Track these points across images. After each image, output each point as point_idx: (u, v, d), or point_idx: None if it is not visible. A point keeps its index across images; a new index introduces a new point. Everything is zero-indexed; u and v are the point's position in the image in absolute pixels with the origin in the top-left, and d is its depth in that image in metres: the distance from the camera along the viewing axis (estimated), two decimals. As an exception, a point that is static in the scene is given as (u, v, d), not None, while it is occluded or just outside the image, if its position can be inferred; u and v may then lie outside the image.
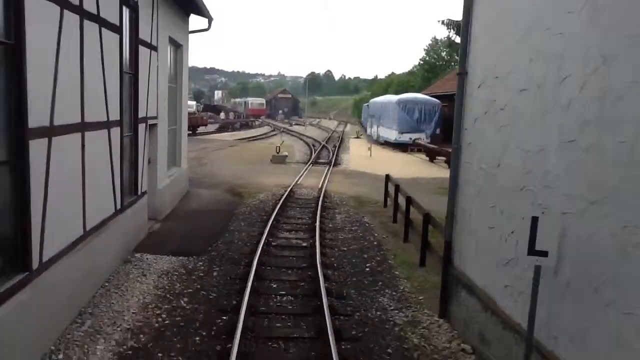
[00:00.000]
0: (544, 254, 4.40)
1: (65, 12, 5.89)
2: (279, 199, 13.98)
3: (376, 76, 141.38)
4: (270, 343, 6.01)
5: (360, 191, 16.62)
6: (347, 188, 17.25)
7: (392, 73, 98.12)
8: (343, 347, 5.89)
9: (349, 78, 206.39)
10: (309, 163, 24.86)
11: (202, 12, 14.00)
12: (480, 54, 6.31)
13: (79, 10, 6.34)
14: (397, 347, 6.06)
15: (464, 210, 6.65)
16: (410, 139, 32.42)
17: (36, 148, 5.28)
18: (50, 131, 5.59)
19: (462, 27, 6.62)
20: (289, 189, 15.88)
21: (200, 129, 43.58)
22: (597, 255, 3.99)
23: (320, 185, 17.15)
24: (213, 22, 14.46)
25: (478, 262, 6.18)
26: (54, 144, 5.65)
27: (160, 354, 5.61)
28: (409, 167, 23.93)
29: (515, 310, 5.11)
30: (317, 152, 30.91)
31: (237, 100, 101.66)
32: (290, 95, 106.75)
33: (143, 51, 9.63)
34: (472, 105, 6.49)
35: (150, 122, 10.37)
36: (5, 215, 4.97)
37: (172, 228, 10.87)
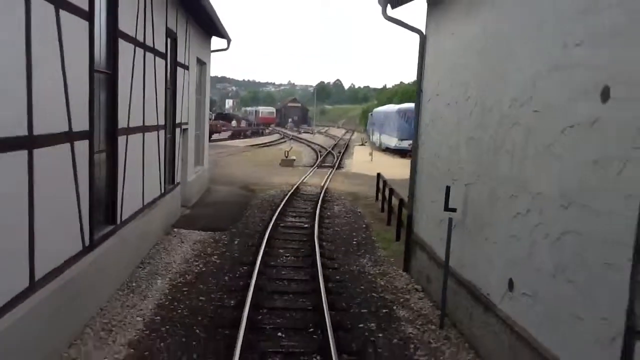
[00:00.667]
0: (454, 210, 6.88)
1: (137, 49, 8.48)
2: (286, 194, 16.50)
3: (385, 85, 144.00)
4: (277, 282, 8.49)
5: (358, 189, 19.09)
6: (346, 187, 19.74)
7: (401, 82, 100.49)
8: (329, 285, 8.33)
9: (359, 87, 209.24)
10: (314, 166, 27.41)
11: (222, 34, 16.61)
12: (429, 79, 8.82)
13: (143, 45, 8.93)
14: (368, 287, 8.51)
15: (420, 191, 9.12)
16: (409, 145, 34.83)
17: (121, 142, 7.84)
18: (128, 131, 8.16)
19: (418, 61, 9.13)
20: (295, 186, 18.40)
21: (214, 136, 46.23)
22: (481, 209, 6.46)
23: (323, 184, 19.65)
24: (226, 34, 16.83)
25: (427, 227, 8.63)
26: (129, 139, 8.22)
27: (201, 286, 8.11)
28: (405, 169, 26.24)
29: (443, 253, 7.57)
30: (322, 157, 33.46)
31: (248, 109, 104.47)
32: (299, 104, 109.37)
33: (179, 71, 12.24)
34: (424, 114, 8.99)
35: (183, 127, 12.96)
36: (103, 186, 7.52)
37: (200, 212, 13.42)
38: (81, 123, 6.15)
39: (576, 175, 4.38)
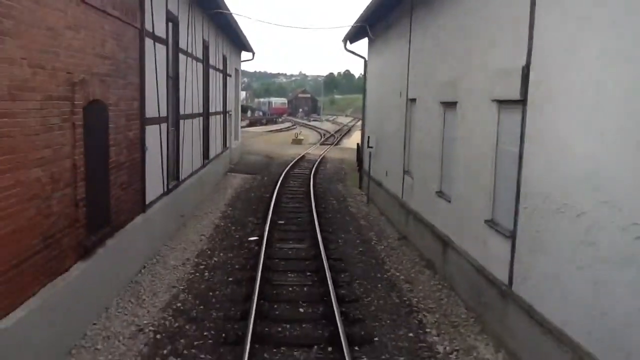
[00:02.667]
0: (371, 147, 14.61)
1: (201, 64, 16.26)
2: (295, 158, 24.28)
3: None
4: (288, 191, 16.26)
5: (346, 156, 26.76)
6: (339, 155, 27.47)
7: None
8: (316, 191, 16.02)
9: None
10: (318, 143, 35.19)
11: (249, 49, 24.31)
12: (368, 82, 16.52)
13: (204, 62, 16.65)
14: (336, 193, 16.25)
15: (364, 145, 16.86)
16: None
17: (181, 123, 15.60)
18: (188, 116, 15.95)
19: (364, 73, 16.83)
20: (302, 155, 26.17)
21: (235, 124, 54.01)
22: (378, 146, 14.15)
23: (322, 154, 27.40)
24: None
25: (366, 162, 16.35)
26: (187, 124, 16.01)
27: (250, 192, 15.91)
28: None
29: (407, 198, 15.32)
30: (326, 137, 41.20)
31: (262, 100, 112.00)
32: (309, 95, 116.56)
33: (228, 78, 20.02)
34: (367, 103, 16.69)
35: (229, 113, 20.77)
36: (172, 155, 15.23)
37: (240, 167, 21.24)
38: (160, 111, 13.96)
39: (394, 123, 12.10)
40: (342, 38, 16.76)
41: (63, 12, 5.40)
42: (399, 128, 11.91)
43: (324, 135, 44.67)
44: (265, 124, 64.48)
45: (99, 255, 6.44)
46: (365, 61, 16.71)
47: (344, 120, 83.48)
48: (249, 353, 5.41)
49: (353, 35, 16.33)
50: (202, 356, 5.65)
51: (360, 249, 9.97)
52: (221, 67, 18.14)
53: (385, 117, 13.71)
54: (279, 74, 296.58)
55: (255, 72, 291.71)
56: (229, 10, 14.53)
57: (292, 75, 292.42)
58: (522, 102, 5.63)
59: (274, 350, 5.79)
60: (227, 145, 20.28)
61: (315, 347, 5.90)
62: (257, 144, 32.82)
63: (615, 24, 4.18)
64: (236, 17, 22.13)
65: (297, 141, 35.14)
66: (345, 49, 16.60)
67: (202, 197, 14.06)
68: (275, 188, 15.86)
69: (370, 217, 13.00)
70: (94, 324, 6.17)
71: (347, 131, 51.04)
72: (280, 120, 75.71)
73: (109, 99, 6.84)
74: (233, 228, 11.53)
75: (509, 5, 6.14)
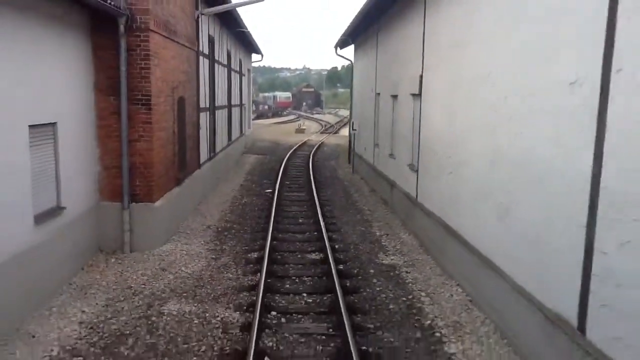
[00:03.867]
0: (355, 130, 19.27)
1: (226, 69, 20.94)
2: (298, 143, 28.96)
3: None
4: (292, 166, 20.94)
5: (342, 142, 31.39)
6: (336, 141, 32.13)
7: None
8: (314, 165, 20.68)
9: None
10: (318, 132, 39.82)
11: (258, 52, 28.95)
12: (355, 81, 21.15)
13: (228, 67, 21.32)
14: (330, 167, 20.92)
15: (359, 136, 21.52)
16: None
17: (215, 112, 20.29)
18: (219, 107, 20.65)
19: (351, 73, 21.45)
20: (304, 141, 30.85)
21: (244, 117, 58.68)
22: (360, 129, 18.80)
23: (321, 140, 32.06)
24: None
25: (352, 142, 21.00)
26: (218, 113, 20.72)
27: (263, 166, 20.61)
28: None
29: (373, 159, 19.97)
30: (326, 128, 45.82)
31: (267, 94, 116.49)
32: (312, 89, 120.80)
33: (243, 78, 24.68)
34: (354, 97, 21.32)
35: (244, 105, 25.45)
36: (211, 134, 19.93)
37: (253, 149, 25.95)
38: (212, 102, 18.68)
39: (369, 111, 16.77)
40: (334, 44, 21.35)
41: (170, 50, 10.09)
42: (371, 114, 16.55)
43: (325, 125, 49.30)
44: (271, 117, 69.07)
45: (183, 185, 11.15)
46: (352, 63, 21.33)
47: (345, 112, 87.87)
48: (279, 185, 10.12)
49: (342, 43, 20.88)
50: (245, 236, 10.35)
51: (342, 196, 14.67)
52: (238, 69, 22.78)
53: (364, 106, 18.35)
54: (283, 68, 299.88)
55: (260, 66, 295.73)
56: (247, 28, 19.16)
57: (296, 70, 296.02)
58: (419, 95, 10.27)
59: (288, 236, 10.48)
60: (243, 132, 24.97)
61: (307, 233, 10.59)
62: (265, 133, 37.53)
63: (439, 66, 8.78)
64: (249, 26, 26.84)
65: (300, 130, 39.81)
66: (337, 53, 21.21)
67: (227, 168, 18.78)
68: (282, 164, 20.52)
69: (353, 181, 17.68)
70: (183, 223, 10.89)
71: (347, 122, 55.68)
72: (285, 113, 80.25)
73: (186, 95, 11.52)
74: (253, 186, 16.27)
75: (413, 45, 10.78)
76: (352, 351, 5.36)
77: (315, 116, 73.77)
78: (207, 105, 14.78)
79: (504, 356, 5.67)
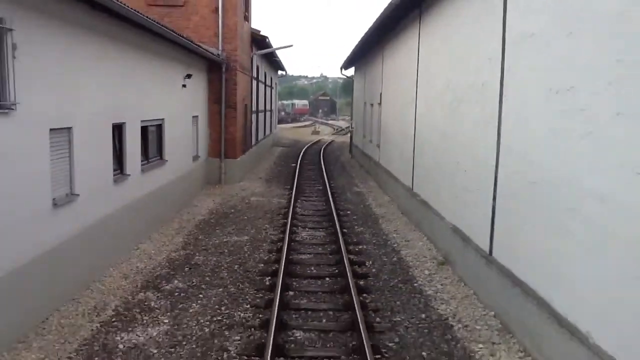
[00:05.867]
0: (353, 128, 27.30)
1: (263, 84, 29.17)
2: (313, 141, 37.09)
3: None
4: (308, 154, 29.03)
5: (348, 140, 39.42)
6: (343, 140, 40.16)
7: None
8: (324, 156, 28.70)
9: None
10: (330, 134, 47.94)
11: (283, 69, 37.22)
12: (355, 92, 29.19)
13: (264, 83, 29.51)
14: (336, 156, 28.94)
15: (356, 133, 29.51)
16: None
17: (258, 114, 28.45)
18: (259, 111, 28.83)
19: (353, 87, 29.50)
20: (318, 140, 38.95)
21: (267, 121, 66.99)
22: (357, 127, 26.82)
23: (332, 139, 40.12)
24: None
25: (362, 142, 28.98)
26: (259, 114, 28.92)
27: (284, 155, 28.72)
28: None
29: (365, 148, 27.96)
30: (337, 131, 53.92)
31: (285, 102, 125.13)
32: (328, 97, 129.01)
33: (272, 90, 32.90)
34: (354, 104, 29.35)
35: (272, 110, 33.66)
36: (255, 129, 28.07)
37: (279, 143, 34.11)
38: (257, 107, 26.89)
39: (361, 114, 24.80)
40: (340, 66, 29.38)
41: (243, 78, 18.22)
42: (362, 116, 24.54)
43: (337, 129, 57.40)
44: (290, 122, 77.35)
45: (245, 154, 19.24)
46: (352, 80, 29.38)
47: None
48: (298, 176, 18.16)
49: (346, 65, 28.89)
50: (281, 182, 18.39)
51: (340, 169, 22.68)
52: (269, 83, 30.98)
53: (358, 111, 26.34)
54: (300, 76, 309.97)
55: (279, 75, 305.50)
56: (278, 57, 27.38)
57: (313, 78, 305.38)
58: (380, 104, 18.24)
59: (305, 183, 18.48)
60: (272, 131, 33.16)
61: (317, 183, 18.60)
62: (287, 134, 45.77)
63: (387, 88, 16.72)
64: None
65: (315, 132, 47.96)
66: (342, 73, 29.27)
67: (264, 152, 26.91)
68: (300, 153, 28.62)
69: (350, 162, 25.66)
70: (247, 175, 19.00)
71: (356, 127, 63.73)
72: (302, 119, 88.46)
73: (247, 103, 19.64)
74: (282, 162, 24.39)
75: (378, 75, 18.80)
76: (332, 207, 13.30)
77: (330, 122, 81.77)
78: (255, 109, 22.89)
79: (419, 239, 13.57)
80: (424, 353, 5.92)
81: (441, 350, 5.99)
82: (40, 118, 6.45)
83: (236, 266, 8.89)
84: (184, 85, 13.40)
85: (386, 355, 5.82)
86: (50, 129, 6.70)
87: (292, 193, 15.52)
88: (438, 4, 10.36)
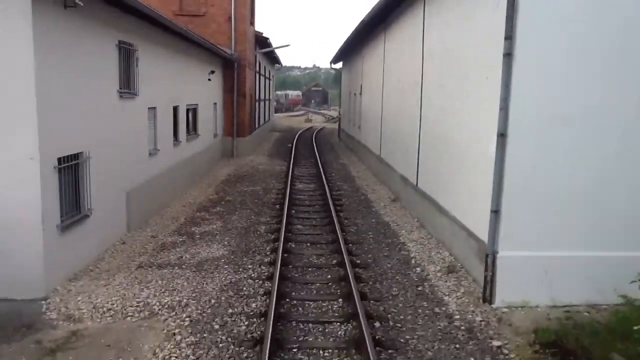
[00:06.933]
0: (340, 115, 31.67)
1: (263, 77, 33.47)
2: (306, 127, 41.46)
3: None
4: (302, 139, 33.43)
5: (337, 127, 43.82)
6: (334, 126, 44.55)
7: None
8: (317, 140, 33.09)
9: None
10: (322, 122, 52.32)
11: (279, 62, 41.44)
12: (343, 84, 33.56)
13: (265, 77, 33.78)
14: (326, 139, 33.33)
15: (344, 118, 33.89)
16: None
17: (259, 102, 32.75)
18: (260, 100, 33.13)
19: (340, 80, 33.84)
20: (311, 126, 43.33)
21: (262, 111, 71.12)
22: (345, 114, 31.21)
23: (323, 125, 44.50)
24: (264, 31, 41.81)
25: (348, 126, 33.37)
26: (260, 103, 33.23)
27: (282, 138, 33.09)
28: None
29: (350, 131, 32.34)
30: (328, 119, 58.26)
31: (279, 93, 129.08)
32: (321, 88, 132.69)
33: (270, 81, 37.16)
34: (342, 95, 33.72)
35: (269, 99, 37.95)
36: (258, 115, 32.34)
37: (276, 129, 38.44)
38: (259, 96, 31.29)
39: (347, 102, 29.20)
40: (330, 61, 33.64)
41: (249, 72, 22.51)
42: (348, 104, 28.92)
43: (328, 118, 61.72)
44: (284, 112, 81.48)
45: (251, 135, 23.59)
46: (340, 72, 33.70)
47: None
48: (294, 153, 22.58)
49: (335, 60, 33.13)
50: (282, 155, 22.78)
51: (329, 149, 27.09)
52: (268, 76, 35.21)
53: (346, 100, 30.68)
54: (293, 67, 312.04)
55: (275, 68, 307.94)
56: (276, 54, 31.61)
57: (306, 68, 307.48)
58: (361, 93, 22.63)
59: (300, 157, 22.90)
60: (270, 118, 37.45)
61: (310, 157, 23.02)
62: (282, 122, 50.07)
63: (365, 81, 21.08)
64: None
65: (308, 120, 52.30)
66: (331, 67, 33.53)
67: (264, 135, 31.24)
68: (295, 136, 32.95)
69: (338, 144, 30.07)
70: (253, 151, 23.37)
71: (347, 116, 68.09)
72: (295, 109, 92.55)
73: (252, 93, 23.93)
74: (280, 144, 28.76)
75: (359, 71, 23.19)
76: (321, 171, 17.68)
77: (322, 111, 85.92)
78: (257, 99, 27.21)
79: (382, 189, 18.02)
80: (370, 233, 10.39)
81: (381, 233, 10.45)
82: (144, 101, 10.80)
83: (256, 200, 13.34)
84: (209, 79, 17.73)
85: (348, 235, 10.26)
86: (148, 108, 11.07)
87: (290, 163, 19.87)
88: (393, 25, 14.74)
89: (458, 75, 8.93)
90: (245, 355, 5.56)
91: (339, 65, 34.43)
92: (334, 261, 8.64)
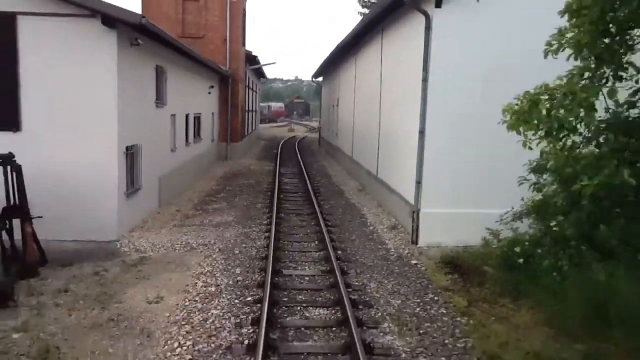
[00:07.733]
0: (320, 126, 35.24)
1: (251, 90, 36.94)
2: (289, 137, 44.96)
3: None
4: (286, 147, 36.88)
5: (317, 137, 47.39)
6: (315, 136, 48.10)
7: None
8: (300, 147, 36.54)
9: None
10: (304, 132, 55.92)
11: (264, 76, 44.98)
12: (323, 97, 37.19)
13: (252, 89, 37.25)
14: (307, 146, 36.83)
15: (324, 127, 37.45)
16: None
17: (247, 113, 36.18)
18: (248, 111, 36.59)
19: (321, 93, 37.52)
20: (293, 136, 46.84)
21: (247, 122, 74.48)
22: (325, 124, 34.79)
23: (305, 135, 48.06)
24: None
25: (327, 134, 36.92)
26: (248, 113, 36.67)
27: (268, 146, 36.52)
28: (347, 133, 54.81)
29: (329, 138, 35.90)
30: (310, 130, 61.86)
31: (262, 104, 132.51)
32: (303, 100, 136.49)
33: (256, 94, 40.63)
34: (323, 107, 37.34)
35: (256, 110, 41.39)
36: (246, 124, 35.76)
37: (262, 139, 41.85)
38: (247, 107, 34.69)
39: (326, 113, 32.80)
40: (311, 76, 37.26)
41: (241, 87, 25.96)
42: (328, 115, 32.50)
43: (310, 128, 65.37)
44: (268, 122, 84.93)
45: (241, 141, 26.98)
46: (320, 86, 37.34)
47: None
48: (280, 157, 26.02)
49: (316, 75, 36.78)
50: (269, 159, 26.20)
51: (310, 154, 30.60)
52: (254, 88, 38.67)
53: (326, 111, 34.26)
54: (275, 79, 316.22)
55: (260, 82, 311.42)
56: (264, 70, 35.13)
57: (288, 80, 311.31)
58: (338, 105, 26.21)
59: (285, 161, 26.35)
60: (256, 127, 40.85)
61: (293, 159, 26.50)
62: (267, 132, 53.47)
63: (341, 96, 24.67)
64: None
65: (291, 130, 55.88)
66: (312, 81, 37.15)
67: (253, 142, 34.61)
68: (280, 144, 36.36)
69: (319, 150, 33.58)
70: (244, 155, 26.75)
71: (327, 127, 71.86)
72: (279, 120, 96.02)
73: (243, 104, 27.36)
74: (266, 150, 32.19)
75: (335, 87, 26.82)
76: (303, 171, 21.13)
77: (304, 122, 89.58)
78: (246, 109, 30.66)
79: (353, 182, 21.54)
80: (340, 209, 13.89)
81: (348, 209, 13.95)
82: (169, 110, 14.18)
83: (251, 189, 16.77)
84: (209, 92, 21.14)
85: (323, 209, 13.70)
86: (170, 115, 14.45)
87: (277, 165, 23.32)
88: (362, 50, 18.38)
89: (400, 92, 12.53)
90: (257, 263, 9.01)
91: (320, 79, 38.14)
92: (313, 222, 12.11)
